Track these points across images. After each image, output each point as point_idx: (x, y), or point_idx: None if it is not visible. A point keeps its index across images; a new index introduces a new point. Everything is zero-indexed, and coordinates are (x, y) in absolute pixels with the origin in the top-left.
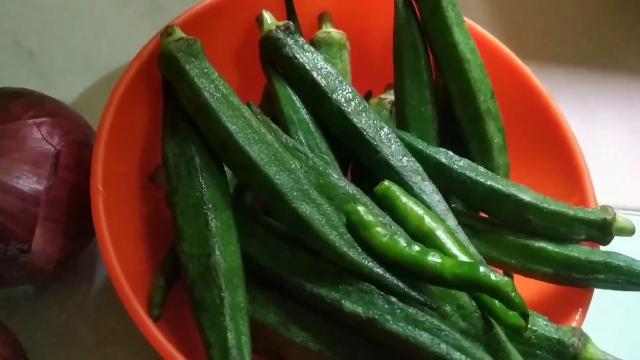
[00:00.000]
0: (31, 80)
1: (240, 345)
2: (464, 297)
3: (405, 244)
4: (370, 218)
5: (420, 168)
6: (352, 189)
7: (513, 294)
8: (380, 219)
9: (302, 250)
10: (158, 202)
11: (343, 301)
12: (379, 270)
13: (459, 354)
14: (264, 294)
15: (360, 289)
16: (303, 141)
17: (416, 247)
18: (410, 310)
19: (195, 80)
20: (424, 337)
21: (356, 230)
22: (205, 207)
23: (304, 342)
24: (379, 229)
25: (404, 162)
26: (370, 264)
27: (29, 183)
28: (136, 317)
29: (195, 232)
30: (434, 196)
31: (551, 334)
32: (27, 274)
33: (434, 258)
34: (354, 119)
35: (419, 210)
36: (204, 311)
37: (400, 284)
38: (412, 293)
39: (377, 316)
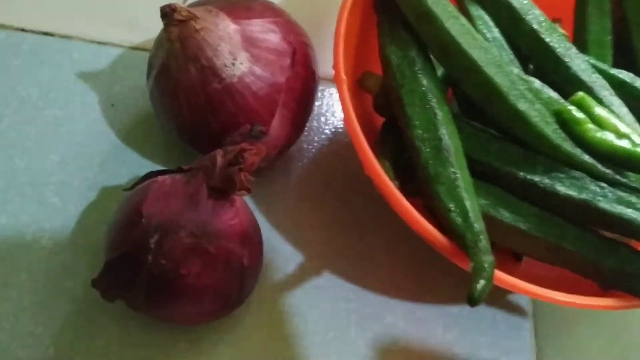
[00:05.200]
0: None
1: (476, 211)
2: None
3: (614, 138)
4: (582, 115)
5: (607, 84)
6: (554, 94)
7: None
8: None
9: (509, 143)
10: (363, 103)
11: (557, 186)
12: (591, 160)
13: None
14: (473, 181)
15: (572, 176)
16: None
17: (626, 141)
18: (620, 193)
19: None
20: (636, 215)
21: (569, 126)
22: (431, 100)
23: (514, 222)
24: (591, 125)
25: (593, 78)
26: (582, 155)
27: (275, 72)
28: (384, 186)
29: (425, 121)
30: (622, 109)
31: None
32: None
33: None
34: (547, 39)
35: (612, 118)
36: (440, 184)
37: (610, 171)
38: (623, 179)
39: (590, 198)
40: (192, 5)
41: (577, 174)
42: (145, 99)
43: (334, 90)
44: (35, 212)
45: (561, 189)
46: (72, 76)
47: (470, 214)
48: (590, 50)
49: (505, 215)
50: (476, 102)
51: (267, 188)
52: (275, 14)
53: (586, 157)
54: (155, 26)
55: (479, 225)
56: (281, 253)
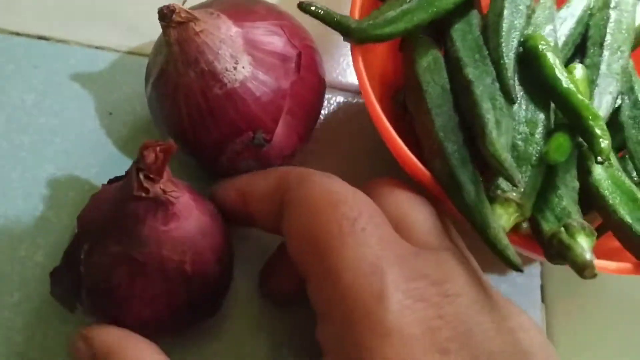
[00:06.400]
0: None
1: None
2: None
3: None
4: (545, 45)
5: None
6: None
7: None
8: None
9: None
10: None
11: (468, 66)
12: (508, 66)
13: (503, 122)
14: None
15: (487, 70)
16: None
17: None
18: (498, 92)
19: None
20: (487, 106)
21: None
22: None
23: (425, 95)
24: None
25: (612, 71)
26: (508, 60)
27: (279, 77)
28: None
29: None
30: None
31: None
32: (258, 167)
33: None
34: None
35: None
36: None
37: (508, 75)
38: (512, 87)
39: (475, 81)
40: (192, 8)
41: (491, 69)
42: (144, 107)
43: (341, 98)
44: (29, 226)
45: (469, 70)
46: (68, 82)
47: None
48: None
49: (428, 81)
50: None
51: None
52: (279, 16)
53: (508, 64)
54: (155, 30)
55: None
56: None
